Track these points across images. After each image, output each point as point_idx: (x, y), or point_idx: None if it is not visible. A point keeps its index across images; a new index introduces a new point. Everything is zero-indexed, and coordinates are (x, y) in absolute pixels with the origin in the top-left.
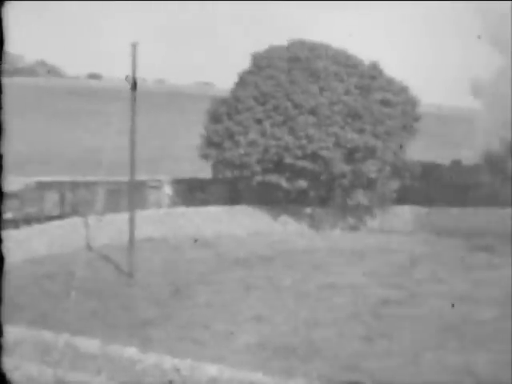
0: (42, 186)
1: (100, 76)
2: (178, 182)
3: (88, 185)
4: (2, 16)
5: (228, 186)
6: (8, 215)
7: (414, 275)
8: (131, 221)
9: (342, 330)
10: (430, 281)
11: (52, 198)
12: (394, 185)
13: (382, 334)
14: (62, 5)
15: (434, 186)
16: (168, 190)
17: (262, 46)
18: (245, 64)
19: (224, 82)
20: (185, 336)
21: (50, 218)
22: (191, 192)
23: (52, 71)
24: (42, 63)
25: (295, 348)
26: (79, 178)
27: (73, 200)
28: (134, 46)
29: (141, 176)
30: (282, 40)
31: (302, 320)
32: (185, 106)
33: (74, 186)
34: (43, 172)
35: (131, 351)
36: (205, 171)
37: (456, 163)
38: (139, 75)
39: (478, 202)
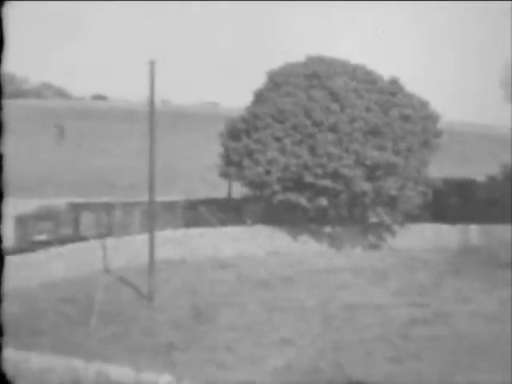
0: (76, 208)
1: (105, 97)
2: (192, 203)
3: (124, 206)
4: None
5: (246, 205)
6: (41, 237)
7: (438, 294)
8: (151, 242)
9: (370, 352)
10: (455, 300)
11: (87, 219)
12: (417, 201)
13: (411, 354)
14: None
15: (470, 202)
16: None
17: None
18: (250, 83)
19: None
20: (209, 360)
21: (85, 240)
22: (210, 212)
23: (58, 93)
24: (48, 85)
25: (323, 371)
26: (114, 199)
27: (108, 221)
28: (152, 64)
29: (158, 196)
30: (294, 56)
31: (329, 342)
32: (191, 125)
33: (109, 207)
34: (57, 194)
35: (166, 379)
36: (219, 190)
37: (491, 179)
38: (143, 96)
39: (501, 218)
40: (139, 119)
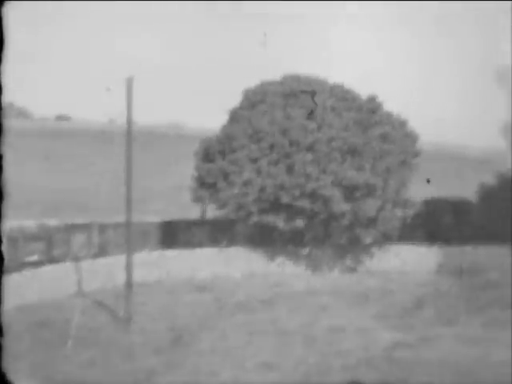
0: (68, 228)
1: (68, 117)
2: (167, 224)
3: (116, 226)
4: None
5: (221, 227)
6: (33, 258)
7: (420, 317)
8: (128, 264)
9: (356, 377)
10: (438, 323)
11: (79, 239)
12: (396, 223)
13: (397, 379)
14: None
15: (464, 223)
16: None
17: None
18: (218, 102)
19: (197, 121)
20: None
21: (77, 260)
22: (181, 234)
23: (21, 113)
24: (11, 105)
25: None
26: (106, 220)
27: (100, 241)
28: (130, 81)
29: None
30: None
31: (312, 367)
32: (160, 146)
33: (102, 227)
34: (27, 215)
35: None
36: (192, 211)
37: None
38: (109, 116)
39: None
40: (105, 139)
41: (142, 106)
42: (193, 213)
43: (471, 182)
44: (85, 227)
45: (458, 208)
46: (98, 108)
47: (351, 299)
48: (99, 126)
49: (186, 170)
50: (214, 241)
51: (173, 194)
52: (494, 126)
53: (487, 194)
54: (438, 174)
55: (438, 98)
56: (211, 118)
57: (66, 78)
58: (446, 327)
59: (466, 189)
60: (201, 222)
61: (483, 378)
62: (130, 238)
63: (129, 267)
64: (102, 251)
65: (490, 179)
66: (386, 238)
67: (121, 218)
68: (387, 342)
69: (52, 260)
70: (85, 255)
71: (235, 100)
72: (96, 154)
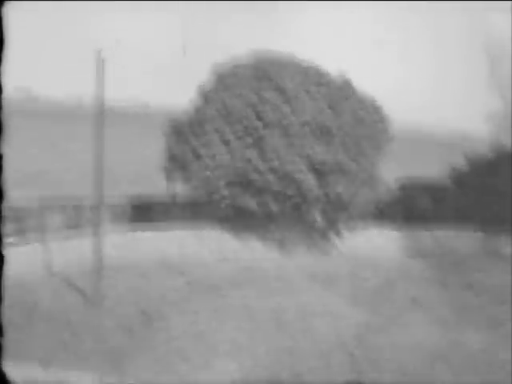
0: (44, 208)
1: (34, 96)
2: (137, 205)
3: (99, 205)
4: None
5: (193, 209)
6: (8, 240)
7: (392, 301)
8: (97, 245)
9: (329, 362)
10: (410, 307)
11: (55, 219)
12: (369, 207)
13: (371, 364)
14: None
15: (440, 206)
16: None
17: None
18: (180, 82)
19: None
20: (163, 369)
21: (46, 240)
22: (152, 215)
23: None
24: None
25: (282, 382)
26: (84, 200)
27: (78, 221)
28: (99, 53)
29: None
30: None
31: (285, 351)
32: (125, 125)
33: (79, 207)
34: None
35: None
36: (156, 191)
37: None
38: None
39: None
40: (69, 119)
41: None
42: (160, 193)
43: (438, 165)
44: (60, 207)
45: (433, 192)
46: (63, 86)
47: (323, 282)
48: (64, 105)
49: (151, 150)
50: (186, 223)
51: (138, 174)
52: (465, 110)
53: (459, 179)
54: (405, 155)
55: (411, 81)
56: (175, 96)
57: (29, 54)
58: (417, 311)
59: (434, 171)
60: (172, 204)
61: (456, 362)
62: (100, 218)
63: (98, 249)
64: (75, 232)
65: (460, 163)
66: (358, 222)
67: (88, 199)
68: (359, 326)
69: (26, 241)
70: (56, 235)
71: (199, 78)
72: (61, 133)
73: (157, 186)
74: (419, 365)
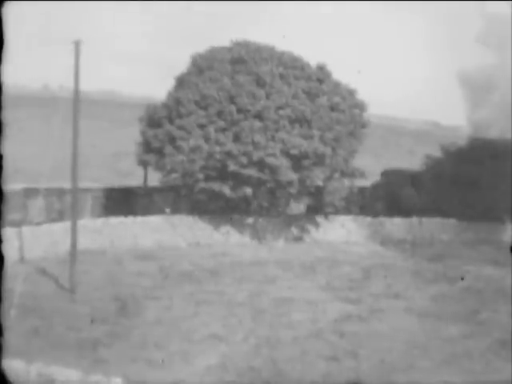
0: (26, 193)
1: None
2: (110, 191)
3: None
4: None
5: (166, 194)
6: None
7: (369, 289)
8: (73, 232)
9: (306, 349)
10: (386, 295)
11: (37, 204)
12: (343, 193)
13: (348, 352)
14: None
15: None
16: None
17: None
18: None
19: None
20: (138, 357)
21: (17, 226)
22: (125, 201)
23: None
24: None
25: (259, 369)
26: (65, 185)
27: (59, 207)
28: (77, 44)
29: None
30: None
31: (262, 338)
32: (93, 112)
33: (61, 192)
34: None
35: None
36: (129, 178)
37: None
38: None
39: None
40: (40, 105)
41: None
42: (131, 180)
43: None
44: (59, 191)
45: (410, 179)
46: (34, 73)
47: (299, 270)
48: (34, 92)
49: (123, 137)
50: (158, 208)
51: (109, 161)
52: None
53: (433, 167)
54: (379, 144)
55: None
56: (148, 86)
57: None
58: (394, 299)
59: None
60: (145, 189)
61: (435, 352)
62: (76, 204)
63: (74, 235)
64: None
65: (434, 152)
66: (333, 208)
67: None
68: (337, 314)
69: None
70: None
71: (172, 69)
72: (31, 120)
73: (126, 172)
74: (398, 354)
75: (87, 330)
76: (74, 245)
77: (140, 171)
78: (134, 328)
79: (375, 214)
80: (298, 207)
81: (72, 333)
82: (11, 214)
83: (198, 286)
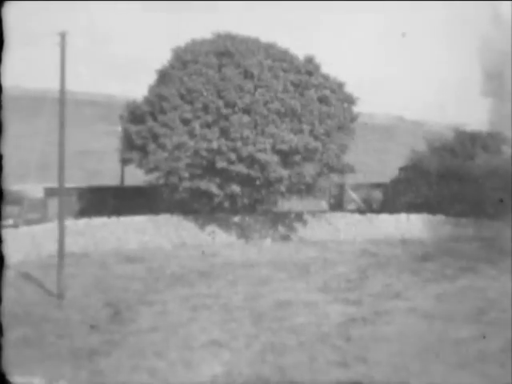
0: (47, 193)
1: None
2: (91, 191)
3: (92, 190)
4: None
5: (149, 193)
6: (8, 222)
7: (367, 289)
8: (61, 234)
9: (313, 355)
10: (387, 295)
11: (56, 204)
12: (334, 190)
13: (357, 357)
14: None
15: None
16: None
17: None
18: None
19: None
20: (138, 366)
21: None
22: (107, 201)
23: None
24: None
25: (267, 378)
26: (83, 184)
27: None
28: (63, 36)
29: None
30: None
31: (266, 344)
32: (51, 110)
33: (80, 191)
34: None
35: None
36: (97, 178)
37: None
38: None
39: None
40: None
41: (36, 70)
42: (100, 179)
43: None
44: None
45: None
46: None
47: (292, 270)
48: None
49: (85, 136)
50: (142, 208)
51: (75, 160)
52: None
53: (419, 161)
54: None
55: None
56: (111, 84)
57: None
58: (396, 300)
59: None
60: (127, 189)
61: (447, 354)
62: (62, 205)
63: (61, 237)
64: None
65: (421, 147)
66: (321, 204)
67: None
68: (339, 317)
69: None
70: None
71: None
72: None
73: (94, 171)
74: (409, 358)
75: (81, 338)
76: (61, 247)
77: (108, 170)
78: (129, 335)
79: (362, 211)
80: (319, 204)
81: (65, 342)
82: (30, 214)
83: (191, 289)
